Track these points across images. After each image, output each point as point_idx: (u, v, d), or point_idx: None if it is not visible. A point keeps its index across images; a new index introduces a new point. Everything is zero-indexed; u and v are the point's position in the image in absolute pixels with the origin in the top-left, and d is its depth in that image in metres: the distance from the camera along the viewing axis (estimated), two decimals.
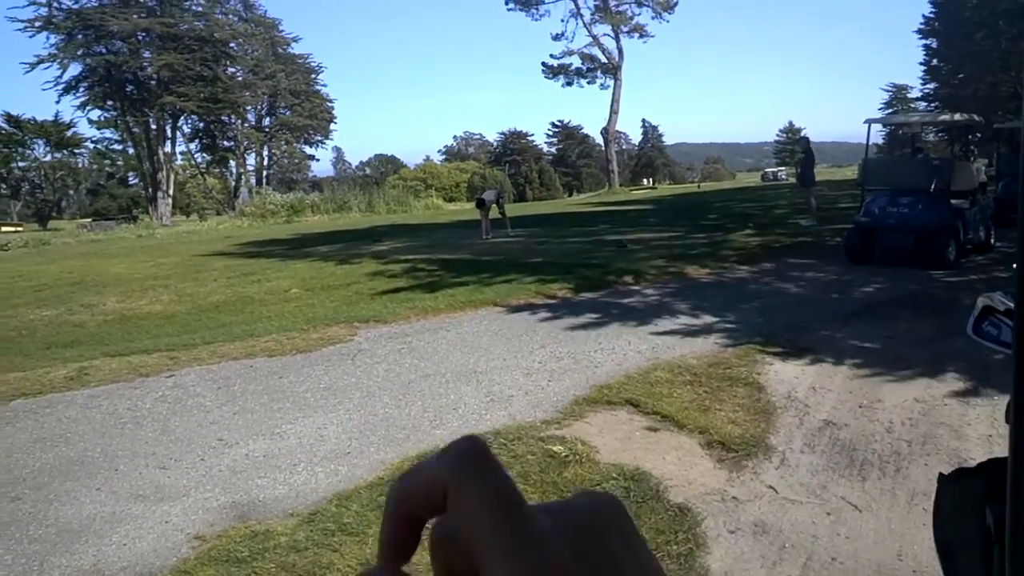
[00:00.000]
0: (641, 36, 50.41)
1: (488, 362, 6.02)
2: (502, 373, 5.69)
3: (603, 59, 50.99)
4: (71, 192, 60.43)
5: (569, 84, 52.85)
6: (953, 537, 1.04)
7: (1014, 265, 0.51)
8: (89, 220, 45.25)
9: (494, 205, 17.08)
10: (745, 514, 3.41)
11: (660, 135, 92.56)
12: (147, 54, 40.10)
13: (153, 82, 40.67)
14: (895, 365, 5.49)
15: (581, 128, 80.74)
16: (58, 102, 59.99)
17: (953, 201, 9.95)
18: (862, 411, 4.64)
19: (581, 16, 49.52)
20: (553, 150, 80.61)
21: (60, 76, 37.80)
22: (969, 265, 9.90)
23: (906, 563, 2.95)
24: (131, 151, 47.89)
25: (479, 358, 6.16)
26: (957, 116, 12.35)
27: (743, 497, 3.57)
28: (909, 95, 52.97)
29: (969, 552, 0.97)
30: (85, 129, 62.85)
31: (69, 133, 48.74)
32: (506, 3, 49.06)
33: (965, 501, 0.99)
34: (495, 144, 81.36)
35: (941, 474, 1.05)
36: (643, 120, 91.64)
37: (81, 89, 39.26)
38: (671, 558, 3.02)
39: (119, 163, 55.61)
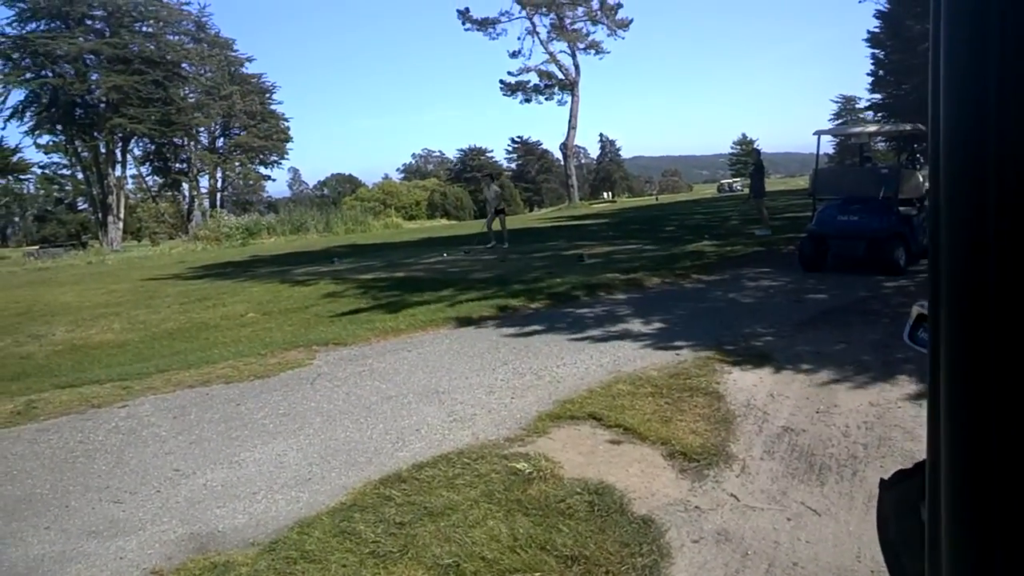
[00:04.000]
0: (597, 53, 51.13)
1: (450, 381, 5.98)
2: (464, 392, 5.66)
3: (560, 75, 51.55)
4: (16, 219, 58.77)
5: (527, 101, 53.25)
6: (895, 537, 1.07)
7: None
8: (36, 247, 43.97)
9: (496, 216, 17.23)
10: (708, 523, 3.44)
11: (618, 149, 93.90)
12: (95, 76, 39.32)
13: (102, 105, 39.86)
14: (850, 370, 5.60)
15: (540, 144, 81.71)
16: (3, 128, 58.38)
17: (901, 208, 10.24)
18: (819, 416, 4.72)
19: (537, 34, 50.09)
20: (513, 166, 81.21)
21: (3, 102, 36.92)
22: (919, 270, 10.17)
23: (864, 564, 3.00)
24: (80, 175, 46.77)
25: (441, 377, 6.12)
26: (903, 126, 12.73)
27: (705, 506, 3.60)
28: (857, 106, 54.46)
29: (911, 551, 1.00)
30: (32, 154, 61.24)
31: (15, 159, 47.35)
32: (463, 24, 49.39)
33: (904, 502, 1.01)
34: (455, 161, 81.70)
35: (882, 479, 1.07)
36: (601, 135, 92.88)
37: (28, 114, 38.38)
38: (636, 570, 3.02)
39: (67, 188, 54.26)
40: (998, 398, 0.48)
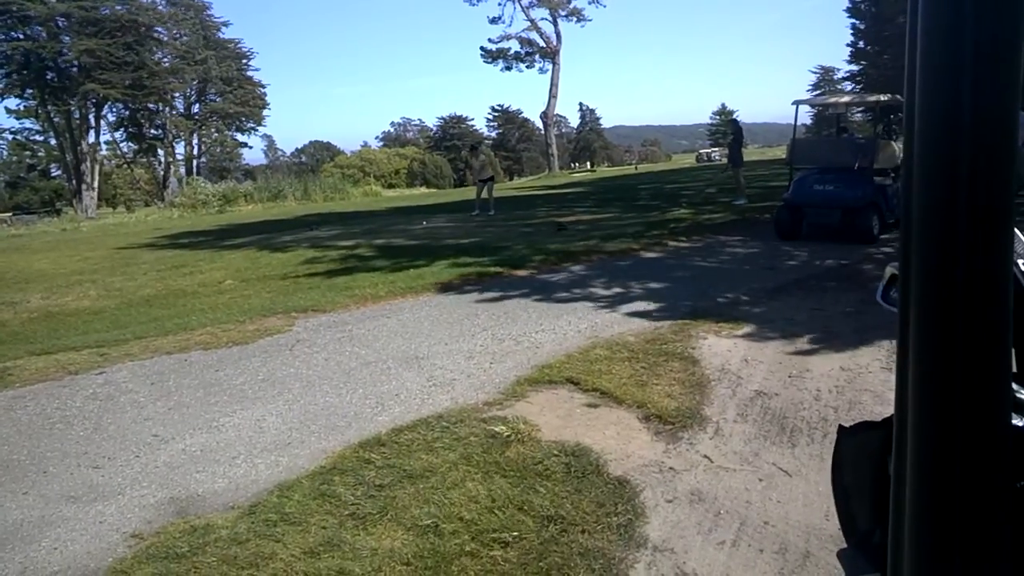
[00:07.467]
0: (578, 20, 50.69)
1: (430, 347, 6.01)
2: (444, 357, 5.69)
3: (541, 43, 51.08)
4: None
5: (508, 68, 52.85)
6: (850, 483, 1.12)
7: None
8: (9, 214, 43.02)
9: (484, 184, 17.77)
10: (682, 484, 3.51)
11: (598, 118, 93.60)
12: (67, 39, 38.34)
13: (74, 69, 38.94)
14: (822, 335, 5.70)
15: (521, 112, 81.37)
16: None
17: (876, 178, 10.33)
18: (791, 380, 4.81)
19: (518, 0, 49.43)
20: (493, 134, 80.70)
21: None
22: (891, 238, 10.30)
23: (832, 523, 3.07)
24: (53, 141, 45.82)
25: (421, 343, 6.15)
26: (880, 97, 12.79)
27: (679, 467, 3.68)
28: (835, 77, 54.55)
29: (862, 497, 1.04)
30: (2, 119, 59.80)
31: None
32: None
33: (863, 451, 1.05)
34: (434, 129, 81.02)
35: (841, 426, 1.11)
36: (581, 103, 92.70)
37: None
38: (611, 529, 3.09)
39: (40, 154, 53.12)
40: (963, 356, 0.50)
